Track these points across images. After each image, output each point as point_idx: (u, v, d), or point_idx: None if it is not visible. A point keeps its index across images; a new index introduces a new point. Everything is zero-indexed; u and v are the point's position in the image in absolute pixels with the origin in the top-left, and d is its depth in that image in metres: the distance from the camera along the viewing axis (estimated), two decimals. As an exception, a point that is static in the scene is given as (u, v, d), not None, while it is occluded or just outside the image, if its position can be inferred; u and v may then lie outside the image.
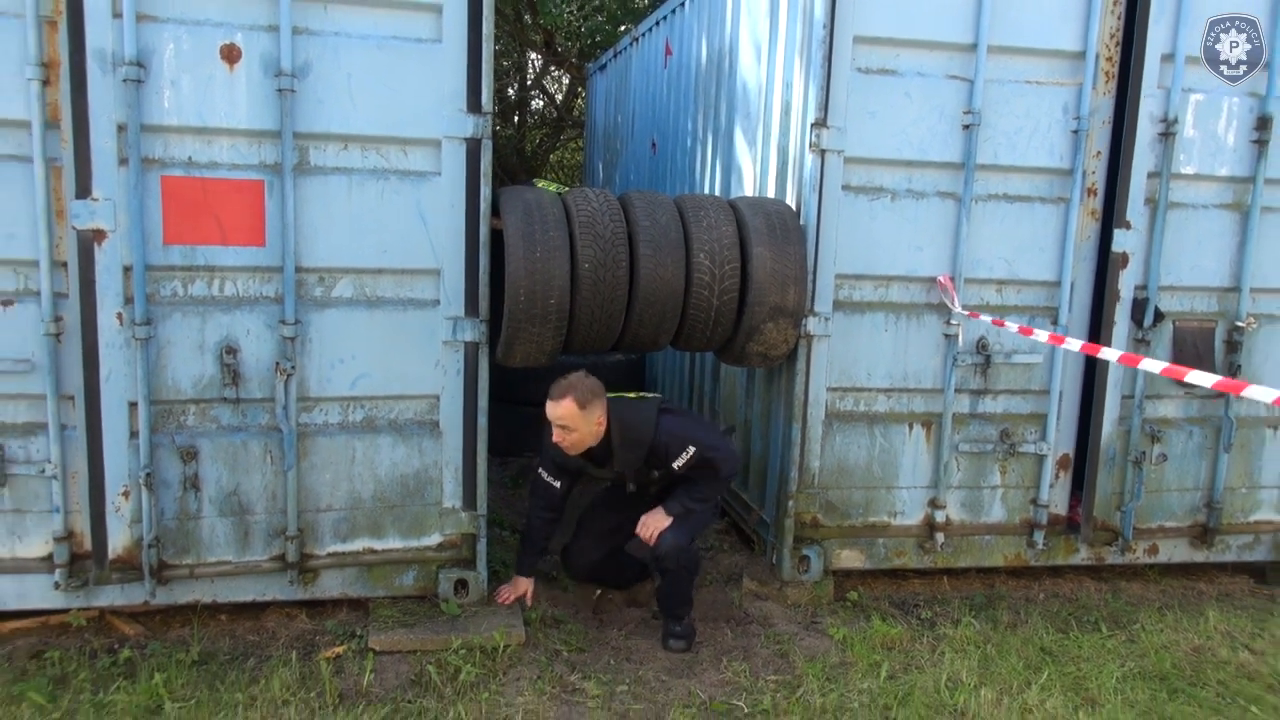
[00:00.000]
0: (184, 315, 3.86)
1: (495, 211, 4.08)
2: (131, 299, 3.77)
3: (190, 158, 3.79)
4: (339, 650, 3.96)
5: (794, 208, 4.48)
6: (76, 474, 3.92)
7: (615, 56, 9.25)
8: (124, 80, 3.65)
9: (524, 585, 4.29)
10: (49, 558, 3.95)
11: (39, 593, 3.98)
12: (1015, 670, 3.94)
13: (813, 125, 4.37)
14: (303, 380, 3.99)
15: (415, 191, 4.01)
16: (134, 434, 3.84)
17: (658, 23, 7.47)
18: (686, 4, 6.59)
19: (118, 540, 3.91)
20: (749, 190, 5.21)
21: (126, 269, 3.75)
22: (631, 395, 4.18)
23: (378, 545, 4.18)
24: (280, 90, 3.78)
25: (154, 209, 3.77)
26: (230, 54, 3.76)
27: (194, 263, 3.84)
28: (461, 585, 4.23)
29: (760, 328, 4.16)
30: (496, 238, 4.05)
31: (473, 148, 4.02)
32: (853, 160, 4.44)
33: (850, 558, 4.68)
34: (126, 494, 3.88)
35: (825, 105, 4.36)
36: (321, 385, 4.02)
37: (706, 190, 5.97)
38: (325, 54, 3.84)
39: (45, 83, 3.67)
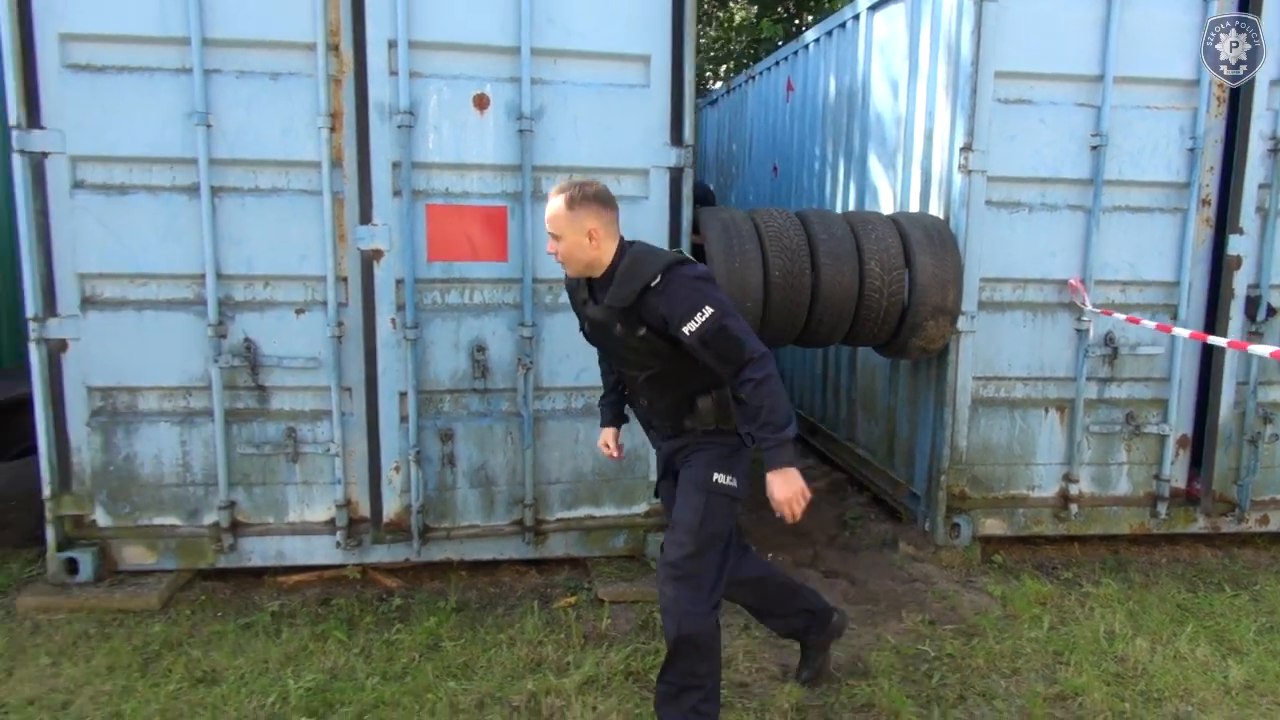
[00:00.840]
0: (443, 320, 4.14)
1: (694, 229, 4.28)
2: (403, 306, 4.06)
3: (447, 189, 4.07)
4: (572, 600, 4.19)
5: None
6: (354, 452, 4.22)
7: (728, 93, 9.46)
8: (398, 126, 3.94)
9: (605, 434, 3.30)
10: (330, 521, 4.25)
11: (322, 551, 4.29)
12: (1161, 623, 4.01)
13: (961, 149, 4.49)
14: (537, 373, 4.23)
15: (628, 213, 4.16)
16: (404, 418, 4.13)
17: (777, 63, 7.64)
18: (810, 47, 6.74)
19: (390, 507, 4.20)
20: (886, 206, 5.35)
21: (398, 282, 4.04)
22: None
23: (596, 512, 4.41)
24: (521, 131, 4.04)
25: (420, 232, 4.05)
26: (481, 102, 4.02)
27: (451, 276, 4.12)
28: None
29: (923, 325, 4.30)
30: (695, 251, 4.25)
31: (675, 175, 4.23)
32: (995, 179, 4.55)
33: (994, 525, 4.79)
34: (398, 469, 4.17)
35: (971, 132, 4.48)
36: (551, 377, 4.27)
37: (839, 206, 6.11)
38: (556, 100, 4.08)
39: (332, 130, 3.98)
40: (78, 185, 3.92)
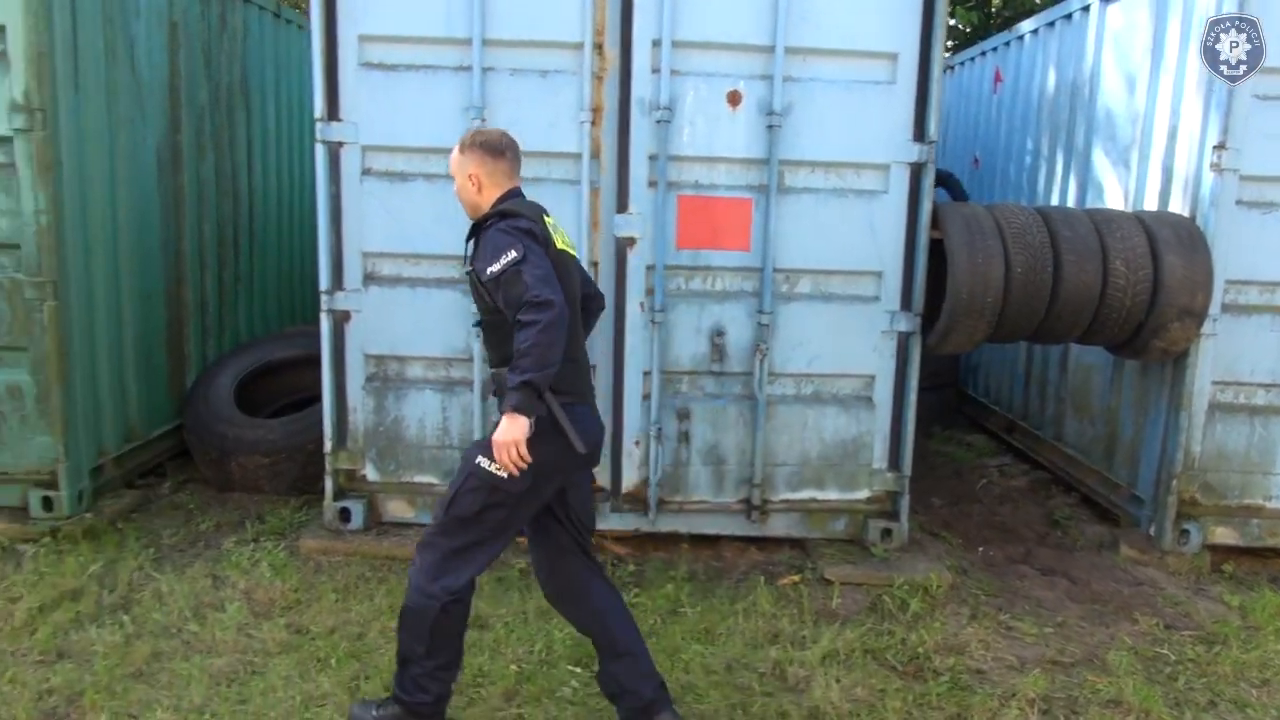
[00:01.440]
0: (687, 305, 4.36)
1: (933, 223, 4.35)
2: (651, 291, 4.31)
3: (697, 180, 4.29)
4: (796, 579, 4.36)
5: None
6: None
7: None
8: (657, 121, 4.17)
9: None
10: (570, 490, 4.56)
11: (560, 516, 4.60)
12: None
13: (1214, 148, 4.38)
14: (771, 359, 4.41)
15: (867, 207, 4.34)
16: (646, 397, 4.39)
17: (983, 53, 7.51)
18: (1025, 38, 6.62)
19: (629, 479, 4.48)
20: (1115, 203, 5.24)
21: (649, 268, 4.29)
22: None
23: (819, 495, 4.56)
24: (770, 126, 4.20)
25: (670, 221, 4.28)
26: (734, 98, 4.21)
27: (696, 264, 4.34)
28: (886, 533, 4.54)
29: (1166, 327, 4.24)
30: (934, 246, 4.32)
31: (915, 170, 4.30)
32: (1247, 178, 4.42)
33: (1224, 534, 4.67)
34: (638, 443, 4.44)
35: (1226, 130, 4.36)
36: (784, 363, 4.43)
37: (1053, 201, 6.01)
38: (804, 96, 4.23)
39: (593, 124, 4.25)
40: (366, 172, 4.34)
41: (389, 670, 3.39)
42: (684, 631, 3.83)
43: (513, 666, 3.54)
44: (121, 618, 3.80)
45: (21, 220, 4.32)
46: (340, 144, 4.30)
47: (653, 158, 4.20)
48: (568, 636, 3.73)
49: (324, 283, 4.39)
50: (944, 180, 6.20)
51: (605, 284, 4.37)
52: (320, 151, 4.28)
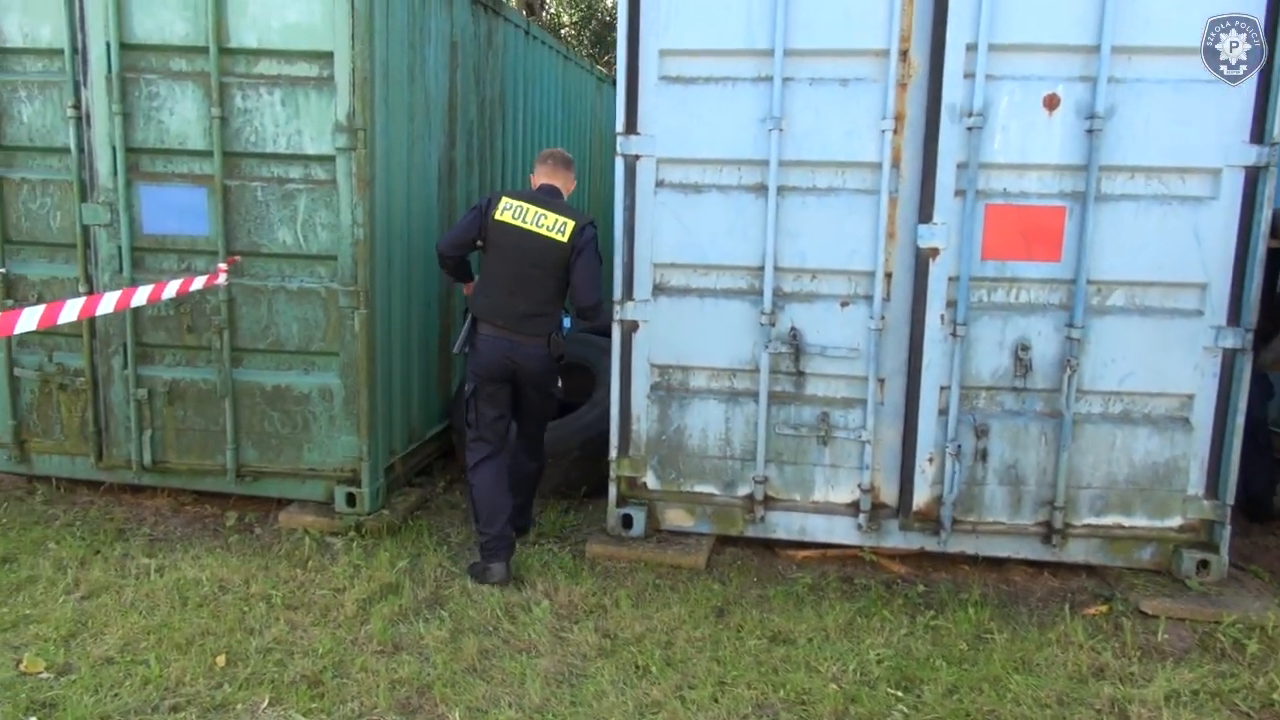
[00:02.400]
0: (990, 317, 4.20)
1: (1273, 232, 4.01)
2: (953, 303, 4.16)
3: (1006, 189, 4.11)
4: (1104, 609, 4.12)
5: None
6: (881, 441, 4.40)
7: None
8: (968, 128, 4.03)
9: None
10: (853, 504, 4.49)
11: (842, 530, 4.53)
12: None
13: None
14: (1080, 375, 4.18)
15: (1192, 214, 4.05)
16: (942, 412, 4.25)
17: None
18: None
19: (920, 497, 4.35)
20: None
21: (951, 279, 4.15)
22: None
23: (1125, 522, 4.29)
24: (1089, 131, 3.98)
25: (976, 231, 4.13)
26: (1050, 102, 4.02)
27: (1002, 275, 4.16)
28: (1203, 565, 4.22)
29: None
30: (1271, 256, 3.99)
31: (1251, 175, 3.99)
32: None
33: None
34: (931, 460, 4.30)
35: None
36: (1093, 380, 4.19)
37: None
38: (1128, 98, 3.98)
39: (894, 132, 4.14)
40: (660, 184, 4.39)
41: (712, 680, 3.41)
42: (1000, 660, 3.67)
43: (832, 686, 3.47)
44: (440, 613, 3.98)
45: (339, 233, 4.61)
46: (637, 157, 4.37)
47: (961, 166, 4.06)
48: (881, 656, 3.65)
49: (617, 293, 4.47)
50: None
51: (901, 295, 4.27)
52: (620, 165, 4.37)
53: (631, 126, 4.35)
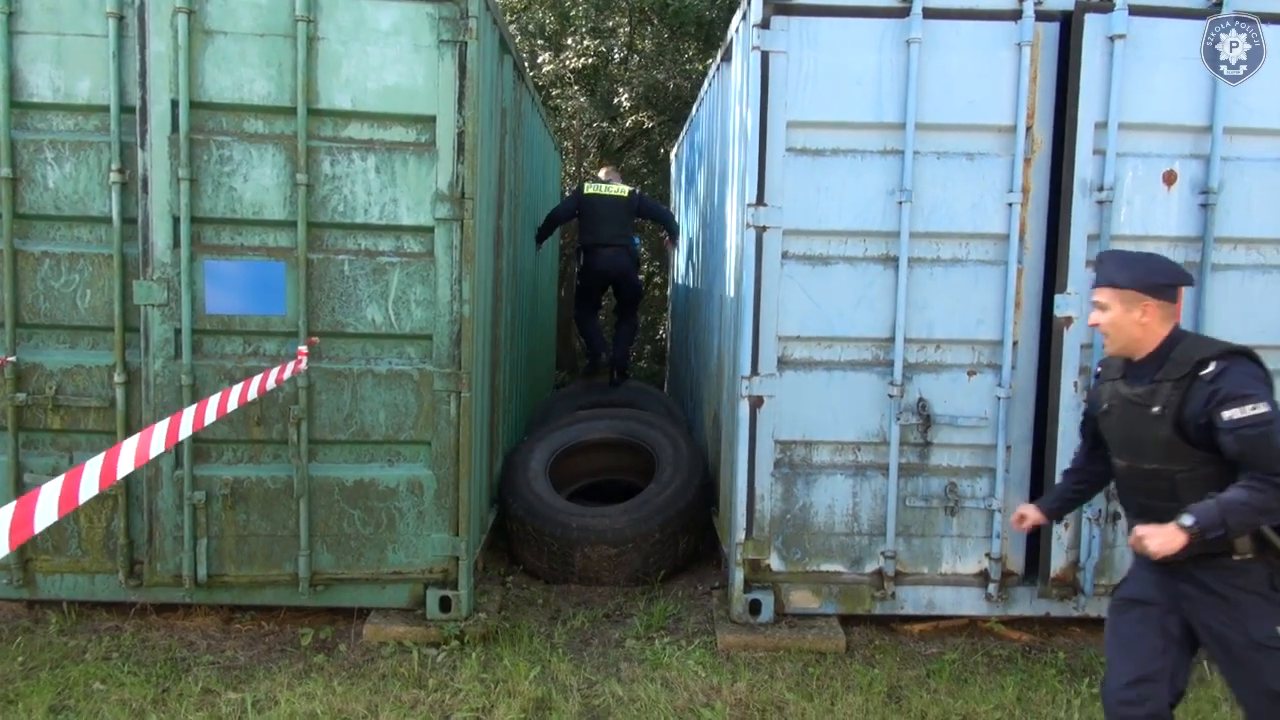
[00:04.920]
0: (1117, 384, 4.29)
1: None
2: (1085, 370, 4.24)
3: (1127, 259, 4.25)
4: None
5: None
6: (1009, 508, 4.40)
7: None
8: (1098, 202, 4.16)
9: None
10: (981, 574, 4.44)
11: (969, 602, 4.47)
12: None
13: None
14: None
15: (1270, 287, 4.33)
16: (1075, 477, 4.29)
17: None
18: None
19: (1057, 563, 4.35)
20: None
21: (1084, 347, 4.24)
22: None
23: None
24: (1203, 205, 4.21)
25: (1104, 300, 4.23)
26: (1169, 178, 4.22)
27: (1128, 342, 4.28)
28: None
29: None
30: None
31: (1340, 244, 4.31)
32: None
33: None
34: (1067, 525, 4.32)
35: None
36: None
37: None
38: (1233, 174, 4.24)
39: (1021, 205, 4.24)
40: (785, 256, 4.28)
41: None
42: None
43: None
44: (609, 725, 3.60)
45: (436, 310, 4.22)
46: (763, 228, 4.25)
47: (1093, 237, 4.17)
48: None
49: (743, 368, 4.29)
50: None
51: (1025, 363, 4.32)
52: (749, 237, 4.24)
53: (760, 198, 4.23)
